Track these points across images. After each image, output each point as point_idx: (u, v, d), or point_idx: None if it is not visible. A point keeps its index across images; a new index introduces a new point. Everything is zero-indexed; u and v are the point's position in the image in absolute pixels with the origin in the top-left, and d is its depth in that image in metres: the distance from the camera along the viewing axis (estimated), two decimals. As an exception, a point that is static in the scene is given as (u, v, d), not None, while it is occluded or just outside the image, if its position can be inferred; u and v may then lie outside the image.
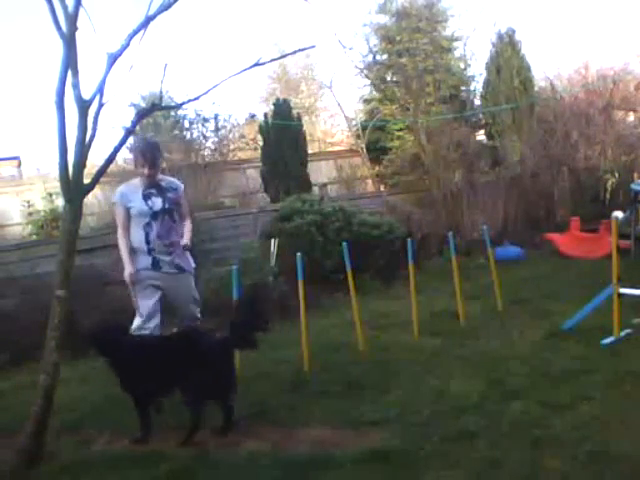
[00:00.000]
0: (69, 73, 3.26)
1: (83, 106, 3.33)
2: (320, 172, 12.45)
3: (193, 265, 4.36)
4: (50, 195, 9.32)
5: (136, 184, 4.19)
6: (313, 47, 4.63)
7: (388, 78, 13.91)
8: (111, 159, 3.57)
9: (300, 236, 7.57)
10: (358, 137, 13.56)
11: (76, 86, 3.29)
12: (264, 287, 6.37)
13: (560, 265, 8.26)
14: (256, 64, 3.62)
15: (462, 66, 14.20)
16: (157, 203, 4.13)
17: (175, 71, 19.42)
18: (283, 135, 10.59)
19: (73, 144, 3.36)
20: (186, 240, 4.21)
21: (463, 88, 13.89)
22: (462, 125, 11.63)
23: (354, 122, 14.77)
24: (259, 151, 11.39)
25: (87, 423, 3.92)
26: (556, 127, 10.85)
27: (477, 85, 13.66)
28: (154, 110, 4.09)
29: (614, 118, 11.23)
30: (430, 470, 2.92)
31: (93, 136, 3.40)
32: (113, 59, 3.36)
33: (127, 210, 4.11)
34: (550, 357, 4.43)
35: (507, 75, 11.75)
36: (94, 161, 7.14)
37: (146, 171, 4.09)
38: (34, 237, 8.92)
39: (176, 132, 11.87)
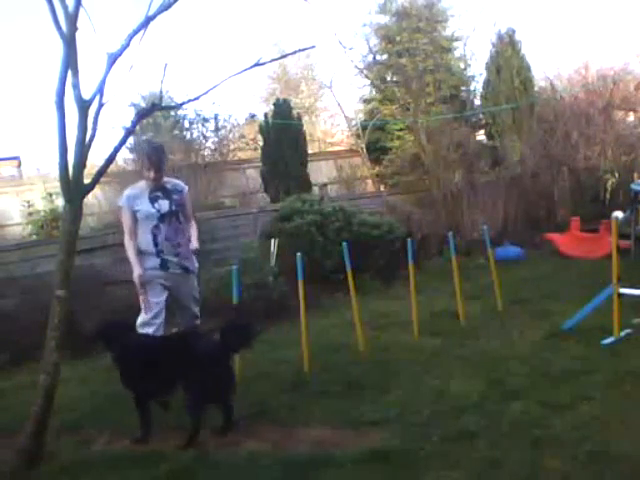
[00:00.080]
0: (69, 73, 3.26)
1: (83, 106, 3.33)
2: (320, 172, 12.44)
3: (197, 266, 4.41)
4: (50, 195, 9.32)
5: (142, 187, 4.20)
6: (313, 47, 4.64)
7: (388, 78, 13.92)
8: (111, 159, 3.57)
9: (300, 236, 7.57)
10: (358, 137, 13.56)
11: (76, 86, 3.29)
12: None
13: (560, 265, 8.26)
14: (256, 64, 3.63)
15: (462, 66, 14.21)
16: (164, 206, 4.16)
17: (175, 71, 19.40)
18: (283, 135, 10.59)
19: (73, 144, 3.36)
20: (195, 245, 4.28)
21: (463, 88, 13.89)
22: (462, 125, 11.63)
23: (354, 122, 14.76)
24: (259, 151, 11.39)
25: (87, 423, 3.92)
26: (556, 127, 10.84)
27: (477, 85, 13.70)
28: (154, 110, 4.09)
29: (614, 118, 11.22)
30: (430, 470, 2.91)
31: (93, 136, 3.40)
32: (113, 59, 3.36)
33: (134, 213, 4.13)
34: (550, 357, 4.43)
35: (507, 75, 11.74)
36: (94, 161, 7.14)
37: (152, 174, 4.11)
38: (34, 237, 8.91)
39: (176, 132, 11.85)
